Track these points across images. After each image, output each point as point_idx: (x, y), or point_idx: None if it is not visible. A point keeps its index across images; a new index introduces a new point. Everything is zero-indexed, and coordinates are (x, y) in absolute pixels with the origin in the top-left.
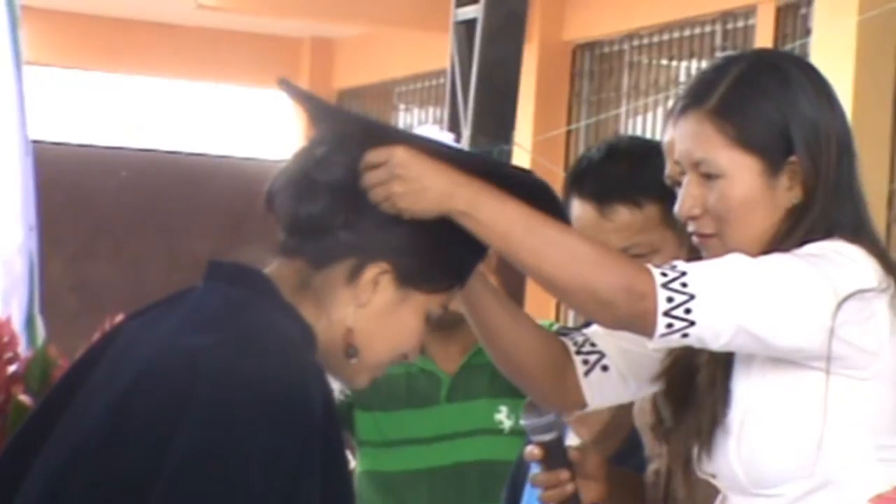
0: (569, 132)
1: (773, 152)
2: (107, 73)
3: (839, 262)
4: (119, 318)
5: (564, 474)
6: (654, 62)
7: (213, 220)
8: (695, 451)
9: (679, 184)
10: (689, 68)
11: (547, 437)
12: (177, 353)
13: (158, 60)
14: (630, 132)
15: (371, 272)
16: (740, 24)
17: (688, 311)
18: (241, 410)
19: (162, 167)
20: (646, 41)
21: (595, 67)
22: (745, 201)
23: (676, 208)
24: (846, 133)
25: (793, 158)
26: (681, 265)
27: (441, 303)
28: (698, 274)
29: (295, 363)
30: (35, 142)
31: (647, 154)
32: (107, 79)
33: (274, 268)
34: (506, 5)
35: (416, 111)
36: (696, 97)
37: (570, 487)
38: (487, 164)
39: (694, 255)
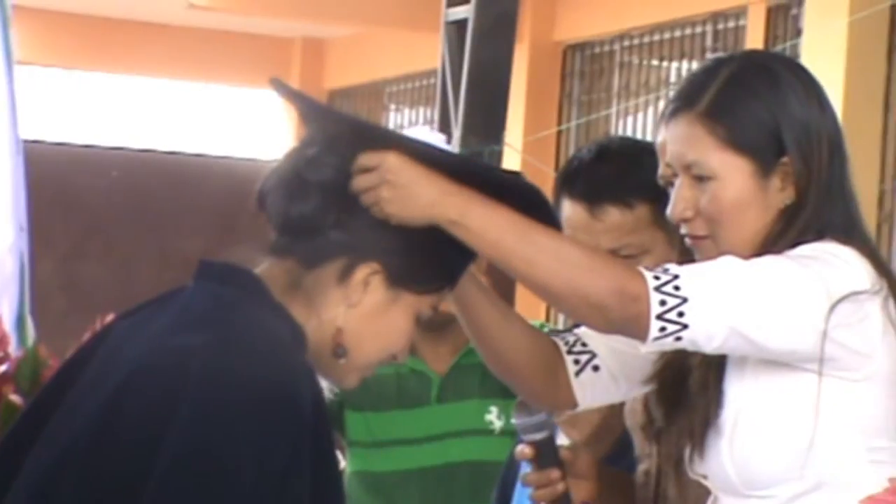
0: (559, 132)
1: (764, 153)
2: (98, 73)
3: (833, 263)
4: (110, 318)
5: (555, 473)
6: (645, 62)
7: (203, 220)
8: (687, 451)
9: (672, 185)
10: (680, 69)
11: (538, 436)
12: (167, 353)
13: (149, 60)
14: (621, 132)
15: (362, 272)
16: (731, 24)
17: (681, 314)
18: (232, 410)
19: (153, 167)
20: (636, 42)
21: (586, 68)
22: (737, 203)
23: (669, 210)
24: (837, 133)
25: (784, 159)
26: (673, 268)
27: (431, 304)
28: (691, 277)
29: (285, 363)
30: (25, 141)
31: (638, 155)
32: (97, 78)
33: (265, 268)
34: (497, 5)
35: (406, 111)
36: (687, 99)
37: (560, 486)
38: (478, 169)
39: (686, 256)
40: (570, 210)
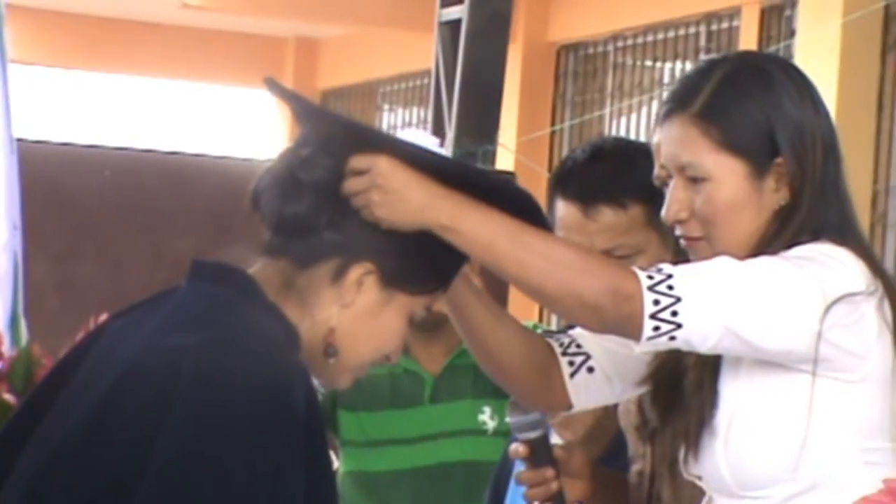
0: (553, 133)
1: (758, 154)
2: (91, 72)
3: (828, 264)
4: (103, 317)
5: (549, 472)
6: (639, 63)
7: (196, 220)
8: (681, 452)
9: (667, 186)
10: (674, 69)
11: (532, 434)
12: (160, 353)
13: (143, 59)
14: (614, 133)
15: (356, 272)
16: (724, 25)
17: (674, 313)
18: (225, 410)
19: (146, 166)
20: (630, 42)
21: (579, 68)
22: (731, 204)
23: (663, 212)
24: (831, 133)
25: (778, 160)
26: (667, 268)
27: (425, 304)
28: (685, 277)
29: (279, 363)
30: (19, 140)
31: (631, 155)
32: (91, 77)
33: (258, 268)
34: (490, 6)
35: (400, 111)
36: (681, 101)
37: (554, 485)
38: (470, 172)
39: (680, 257)
40: (563, 210)
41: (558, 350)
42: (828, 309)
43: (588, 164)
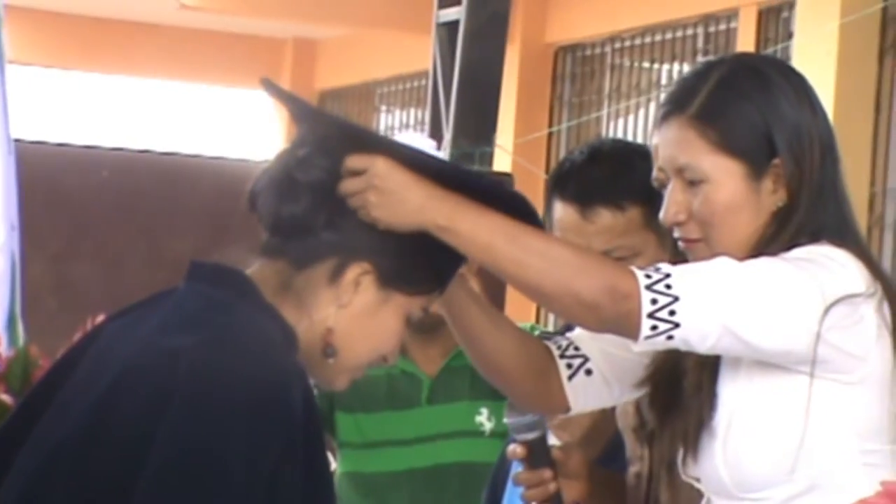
0: (550, 134)
1: (755, 156)
2: (89, 73)
3: (828, 266)
4: (100, 318)
5: (547, 473)
6: (636, 65)
7: (194, 221)
8: (680, 454)
9: (665, 188)
10: (671, 71)
11: (530, 435)
12: (158, 353)
13: (141, 60)
14: (612, 135)
15: (353, 272)
16: (722, 27)
17: (672, 312)
18: (223, 409)
19: (143, 167)
20: (628, 44)
21: (577, 70)
22: (729, 205)
23: (661, 214)
24: (829, 135)
25: (776, 161)
26: (665, 267)
27: (422, 305)
28: (683, 276)
29: (276, 364)
30: (16, 141)
31: (629, 157)
32: (89, 78)
33: (255, 269)
34: (488, 7)
35: (397, 112)
36: (678, 103)
37: (552, 486)
38: (466, 175)
39: (678, 259)
40: (561, 212)
41: (556, 352)
42: (827, 310)
43: (586, 165)
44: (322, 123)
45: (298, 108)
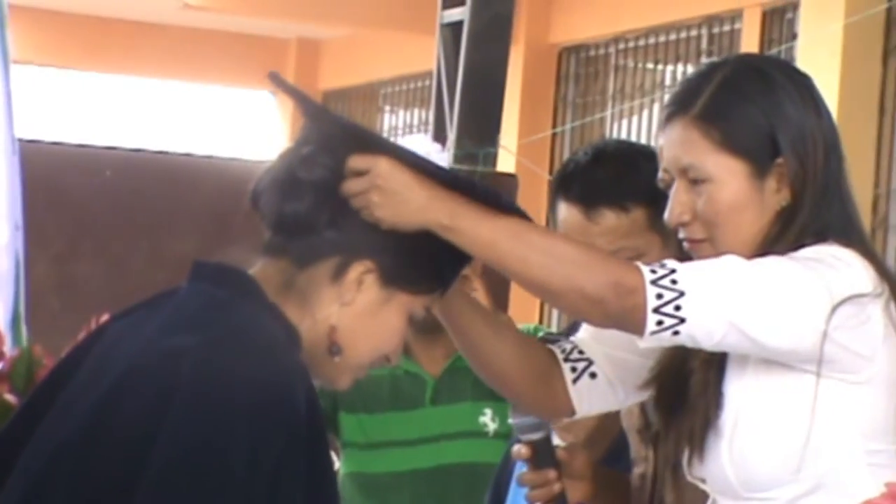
0: (554, 135)
1: (759, 155)
2: (92, 73)
3: (835, 266)
4: (103, 317)
5: (552, 473)
6: (640, 65)
7: (197, 221)
8: (685, 454)
9: (671, 189)
10: (675, 72)
11: (535, 436)
12: (161, 353)
13: (144, 60)
14: (615, 136)
15: (356, 271)
16: (726, 28)
17: (678, 307)
18: (226, 408)
19: (147, 167)
20: (632, 45)
21: (581, 70)
22: (733, 205)
23: (666, 214)
24: (833, 134)
25: (779, 160)
26: (670, 263)
27: (425, 304)
28: (689, 271)
29: (279, 363)
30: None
31: (634, 158)
32: (91, 78)
33: (258, 268)
34: (492, 8)
35: (401, 113)
36: (682, 104)
37: (556, 487)
38: (464, 184)
39: (683, 260)
40: (565, 213)
41: (560, 356)
42: (834, 309)
43: (590, 166)
44: (326, 122)
45: (303, 104)
